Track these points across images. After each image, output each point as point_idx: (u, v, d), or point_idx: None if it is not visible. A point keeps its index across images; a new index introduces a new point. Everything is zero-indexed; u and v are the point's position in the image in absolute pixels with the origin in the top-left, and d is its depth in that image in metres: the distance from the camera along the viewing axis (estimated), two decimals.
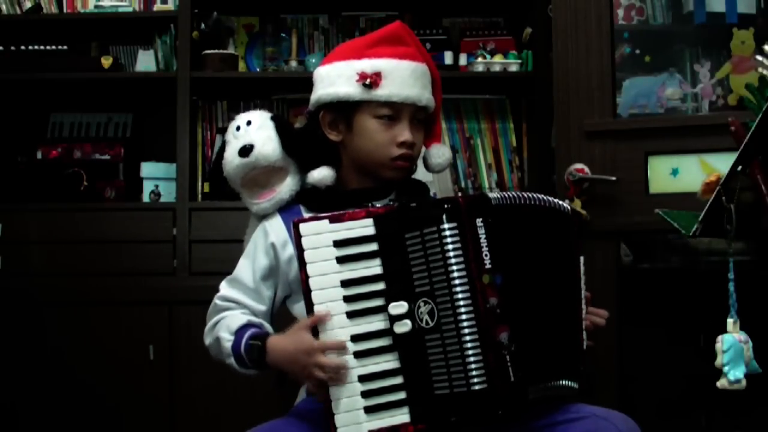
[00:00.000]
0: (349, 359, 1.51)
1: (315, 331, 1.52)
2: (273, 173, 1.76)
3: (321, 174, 1.72)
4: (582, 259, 1.65)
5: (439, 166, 1.82)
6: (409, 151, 1.71)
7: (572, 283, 1.62)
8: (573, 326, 1.61)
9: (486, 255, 1.49)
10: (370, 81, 1.68)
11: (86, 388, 2.86)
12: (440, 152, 1.81)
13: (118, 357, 2.87)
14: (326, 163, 1.73)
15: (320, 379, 1.50)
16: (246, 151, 1.74)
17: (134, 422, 2.86)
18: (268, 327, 1.68)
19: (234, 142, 1.78)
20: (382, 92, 1.68)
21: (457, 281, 1.48)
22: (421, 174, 1.88)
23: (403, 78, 1.70)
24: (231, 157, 1.77)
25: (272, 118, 1.79)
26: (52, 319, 2.88)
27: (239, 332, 1.63)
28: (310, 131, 1.77)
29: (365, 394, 1.51)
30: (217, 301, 1.72)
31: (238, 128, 1.79)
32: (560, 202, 1.63)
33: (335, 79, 1.72)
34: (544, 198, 1.61)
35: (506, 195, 1.56)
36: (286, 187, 1.75)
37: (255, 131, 1.76)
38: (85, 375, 2.86)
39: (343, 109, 1.72)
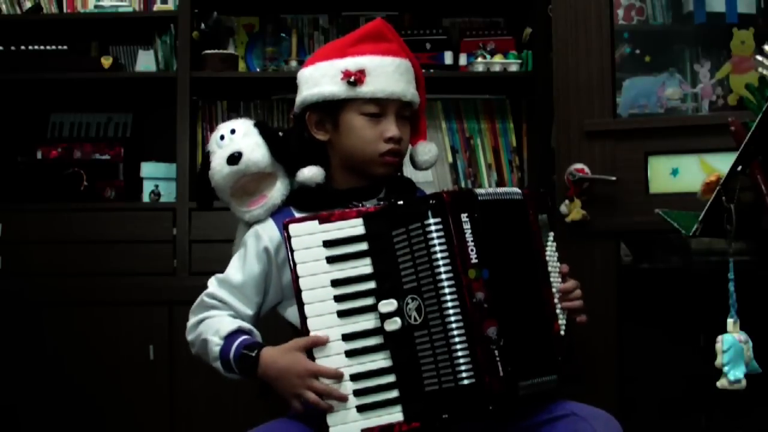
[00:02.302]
0: (341, 358, 1.52)
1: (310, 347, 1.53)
2: (262, 179, 1.76)
3: (311, 172, 1.73)
4: (552, 234, 1.64)
5: (426, 163, 1.83)
6: (396, 146, 1.72)
7: (543, 271, 1.62)
8: (550, 316, 1.60)
9: (472, 250, 1.49)
10: (355, 78, 1.69)
11: (86, 388, 2.86)
12: (426, 149, 1.82)
13: (118, 357, 2.87)
14: (315, 163, 1.74)
15: (311, 402, 1.51)
16: (235, 159, 1.74)
17: (134, 422, 2.86)
18: (257, 334, 1.68)
19: (219, 151, 1.77)
20: (367, 89, 1.69)
21: (443, 276, 1.48)
22: (420, 174, 1.88)
23: (387, 74, 1.71)
24: (219, 167, 1.76)
25: (256, 125, 1.80)
26: (51, 320, 2.88)
27: (229, 338, 1.62)
28: (297, 133, 1.78)
29: (358, 393, 1.51)
30: (204, 297, 1.72)
31: (222, 137, 1.78)
32: (513, 190, 1.61)
33: (319, 79, 1.73)
34: (504, 190, 1.60)
35: (489, 190, 1.57)
36: (277, 191, 1.76)
37: (241, 139, 1.77)
38: (85, 375, 2.86)
39: (329, 109, 1.73)
